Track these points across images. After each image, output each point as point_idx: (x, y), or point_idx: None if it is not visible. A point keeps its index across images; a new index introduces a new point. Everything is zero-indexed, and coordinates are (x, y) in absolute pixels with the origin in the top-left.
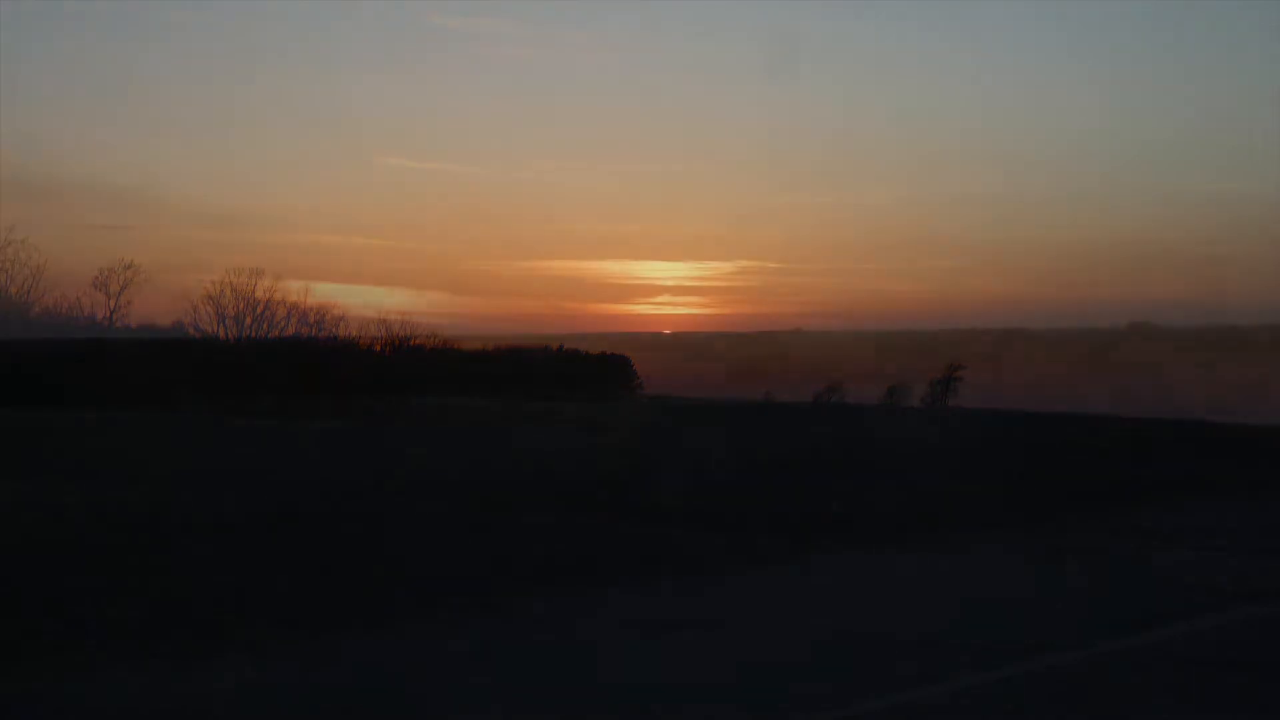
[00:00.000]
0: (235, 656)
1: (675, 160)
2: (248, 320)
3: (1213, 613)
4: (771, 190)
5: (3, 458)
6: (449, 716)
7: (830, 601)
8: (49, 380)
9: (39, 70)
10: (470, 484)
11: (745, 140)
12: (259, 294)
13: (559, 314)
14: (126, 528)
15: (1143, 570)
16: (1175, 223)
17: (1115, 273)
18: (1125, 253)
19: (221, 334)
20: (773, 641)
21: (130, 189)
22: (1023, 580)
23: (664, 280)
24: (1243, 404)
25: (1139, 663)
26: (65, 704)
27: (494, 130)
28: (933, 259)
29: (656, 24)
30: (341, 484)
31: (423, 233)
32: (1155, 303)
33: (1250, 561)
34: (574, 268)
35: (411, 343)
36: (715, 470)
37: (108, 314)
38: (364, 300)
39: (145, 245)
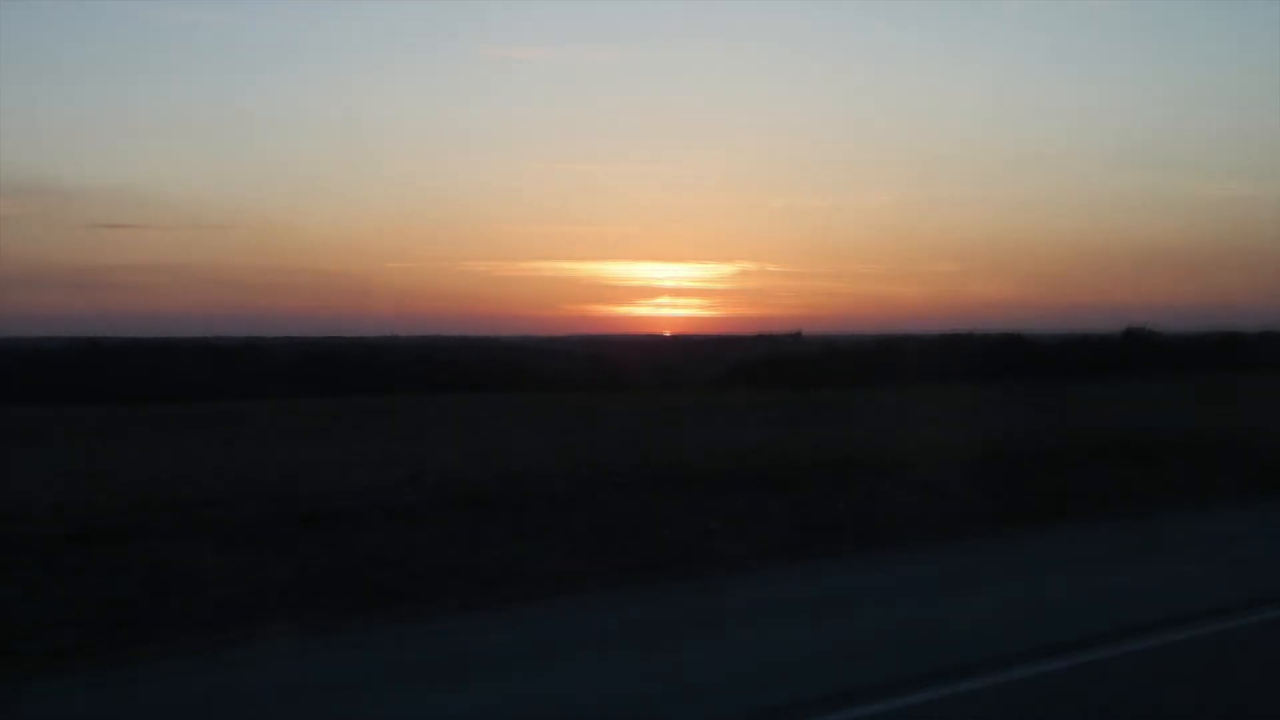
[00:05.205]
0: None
1: (675, 161)
2: None
3: None
4: (772, 192)
5: None
6: None
7: None
8: None
9: (40, 71)
10: None
11: (746, 141)
12: None
13: (558, 315)
14: None
15: None
16: (1175, 226)
17: (1115, 277)
18: (1125, 256)
19: None
20: None
21: None
22: None
23: (664, 282)
24: None
25: None
26: None
27: (494, 132)
28: (934, 262)
29: (658, 26)
30: None
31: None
32: (1154, 307)
33: None
34: (573, 269)
35: None
36: None
37: None
38: None
39: None
